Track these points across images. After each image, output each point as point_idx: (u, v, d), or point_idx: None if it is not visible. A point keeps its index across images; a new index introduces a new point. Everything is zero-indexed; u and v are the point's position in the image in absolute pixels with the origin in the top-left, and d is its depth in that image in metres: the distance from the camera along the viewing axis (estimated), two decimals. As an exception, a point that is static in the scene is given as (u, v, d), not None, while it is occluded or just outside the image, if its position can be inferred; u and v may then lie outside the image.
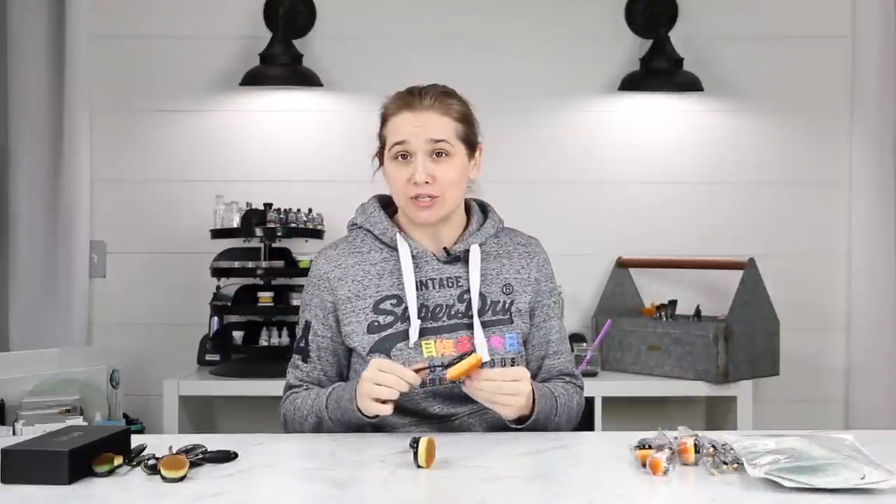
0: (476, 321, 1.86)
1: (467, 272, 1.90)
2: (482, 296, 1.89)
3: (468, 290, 1.89)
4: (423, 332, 1.84)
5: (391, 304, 1.87)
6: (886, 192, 3.39)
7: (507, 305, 1.91)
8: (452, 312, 1.87)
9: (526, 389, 1.74)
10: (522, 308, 1.92)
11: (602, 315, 3.31)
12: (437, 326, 1.86)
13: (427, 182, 1.83)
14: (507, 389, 1.71)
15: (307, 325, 1.91)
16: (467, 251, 1.91)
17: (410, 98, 1.88)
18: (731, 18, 3.46)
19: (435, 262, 1.90)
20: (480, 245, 1.92)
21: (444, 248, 1.91)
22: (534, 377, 1.92)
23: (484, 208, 2.00)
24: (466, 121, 1.91)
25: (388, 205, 1.97)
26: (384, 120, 1.91)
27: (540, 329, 1.96)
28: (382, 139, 1.92)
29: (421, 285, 1.87)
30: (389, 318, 1.86)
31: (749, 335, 3.08)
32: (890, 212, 3.39)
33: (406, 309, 1.85)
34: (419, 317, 1.84)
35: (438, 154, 1.85)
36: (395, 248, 1.90)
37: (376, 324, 1.86)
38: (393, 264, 1.89)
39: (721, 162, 3.47)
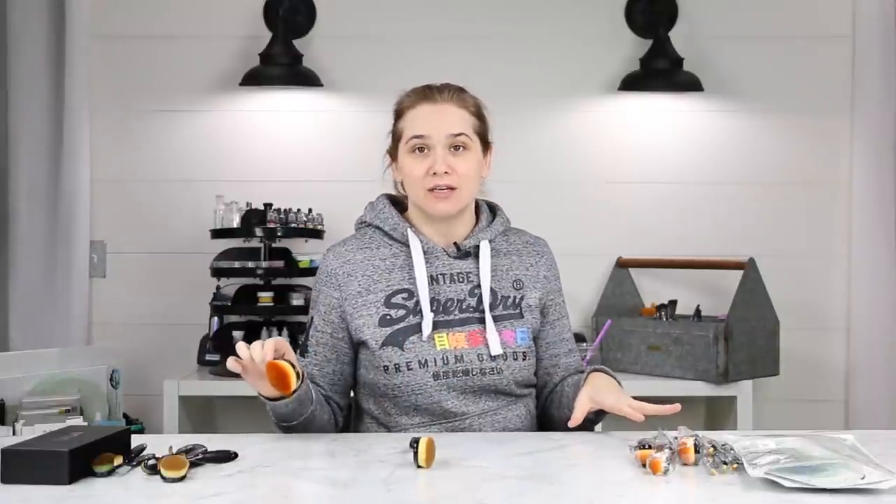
0: (488, 315, 1.87)
1: (477, 267, 1.90)
2: (493, 291, 1.90)
3: (478, 286, 1.89)
4: (434, 326, 1.85)
5: (402, 297, 1.87)
6: (886, 192, 3.39)
7: (517, 301, 1.92)
8: (464, 307, 1.88)
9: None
10: (532, 304, 1.93)
11: (602, 315, 3.31)
12: (448, 320, 1.87)
13: (446, 173, 1.84)
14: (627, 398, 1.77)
15: (310, 321, 1.92)
16: (477, 247, 1.92)
17: (428, 92, 1.90)
18: (731, 18, 3.46)
19: (445, 257, 1.90)
20: (490, 241, 1.93)
21: (455, 244, 1.91)
22: (545, 373, 1.97)
23: (493, 208, 2.01)
24: (481, 117, 1.93)
25: (396, 203, 1.97)
26: (399, 114, 1.92)
27: (554, 327, 1.98)
28: (397, 134, 1.92)
29: (432, 280, 1.88)
30: (401, 312, 1.86)
31: (749, 335, 3.08)
32: (890, 212, 3.39)
33: (418, 303, 1.86)
34: (431, 310, 1.85)
35: (456, 148, 1.87)
36: (404, 244, 1.90)
37: (388, 317, 1.85)
38: (403, 259, 1.89)
39: (721, 162, 3.47)
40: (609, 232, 3.46)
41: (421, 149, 1.87)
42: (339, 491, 1.40)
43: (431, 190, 1.85)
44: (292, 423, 1.79)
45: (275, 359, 1.68)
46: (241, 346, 1.69)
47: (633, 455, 1.53)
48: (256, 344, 1.68)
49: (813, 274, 3.47)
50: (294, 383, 1.69)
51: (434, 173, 1.84)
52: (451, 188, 1.85)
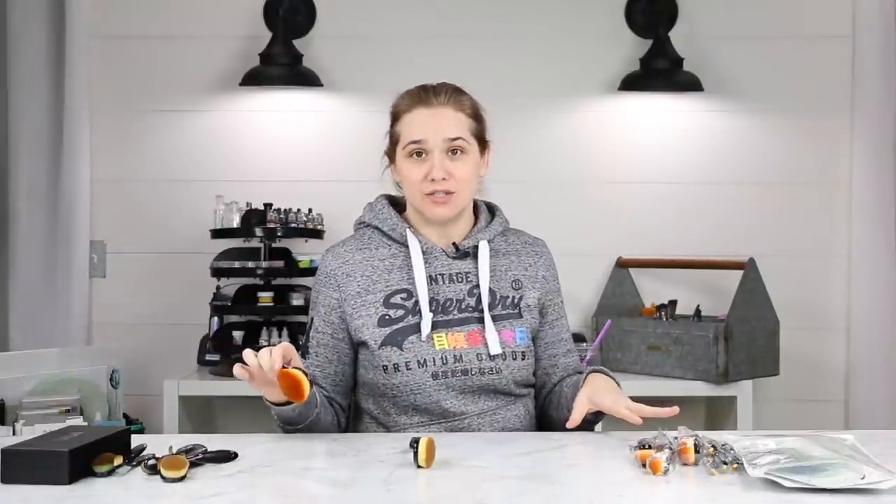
0: (487, 314, 1.87)
1: (476, 267, 1.91)
2: (491, 291, 1.90)
3: (477, 285, 1.90)
4: (434, 326, 1.85)
5: (401, 297, 1.87)
6: (886, 192, 3.39)
7: (516, 300, 1.92)
8: (463, 306, 1.88)
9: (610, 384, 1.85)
10: (531, 303, 1.94)
11: (602, 315, 3.31)
12: (447, 320, 1.87)
13: (444, 178, 1.84)
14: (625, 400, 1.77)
15: (311, 322, 1.93)
16: (476, 247, 1.92)
17: (424, 94, 1.90)
18: (731, 18, 3.46)
19: (444, 257, 1.91)
20: (489, 242, 1.93)
21: (454, 244, 1.92)
22: (543, 373, 1.97)
23: (491, 209, 2.02)
24: (478, 118, 1.93)
25: (394, 204, 1.98)
26: (396, 117, 1.92)
27: (553, 327, 1.98)
28: (395, 136, 1.92)
29: (431, 280, 1.88)
30: (400, 312, 1.86)
31: (749, 335, 3.08)
32: (890, 212, 3.39)
33: (417, 303, 1.86)
34: (430, 310, 1.85)
35: (454, 151, 1.87)
36: (403, 244, 1.91)
37: (387, 317, 1.86)
38: (402, 259, 1.90)
39: (721, 162, 3.47)
40: (609, 232, 3.46)
41: (419, 153, 1.87)
42: (339, 491, 1.40)
43: (429, 194, 1.86)
44: (297, 426, 1.79)
45: (283, 366, 1.67)
46: (248, 354, 1.67)
47: (633, 455, 1.53)
48: (264, 351, 1.67)
49: (813, 274, 3.47)
50: (307, 392, 1.68)
51: (432, 179, 1.85)
52: (449, 192, 1.86)
